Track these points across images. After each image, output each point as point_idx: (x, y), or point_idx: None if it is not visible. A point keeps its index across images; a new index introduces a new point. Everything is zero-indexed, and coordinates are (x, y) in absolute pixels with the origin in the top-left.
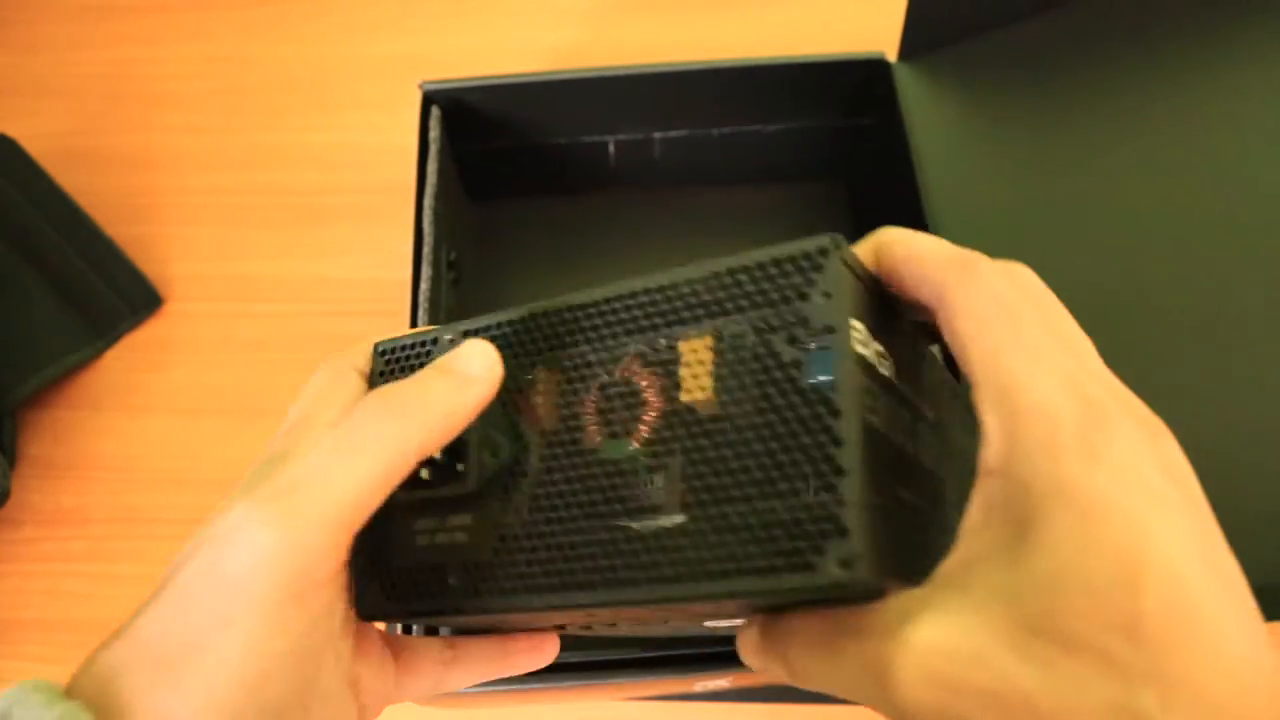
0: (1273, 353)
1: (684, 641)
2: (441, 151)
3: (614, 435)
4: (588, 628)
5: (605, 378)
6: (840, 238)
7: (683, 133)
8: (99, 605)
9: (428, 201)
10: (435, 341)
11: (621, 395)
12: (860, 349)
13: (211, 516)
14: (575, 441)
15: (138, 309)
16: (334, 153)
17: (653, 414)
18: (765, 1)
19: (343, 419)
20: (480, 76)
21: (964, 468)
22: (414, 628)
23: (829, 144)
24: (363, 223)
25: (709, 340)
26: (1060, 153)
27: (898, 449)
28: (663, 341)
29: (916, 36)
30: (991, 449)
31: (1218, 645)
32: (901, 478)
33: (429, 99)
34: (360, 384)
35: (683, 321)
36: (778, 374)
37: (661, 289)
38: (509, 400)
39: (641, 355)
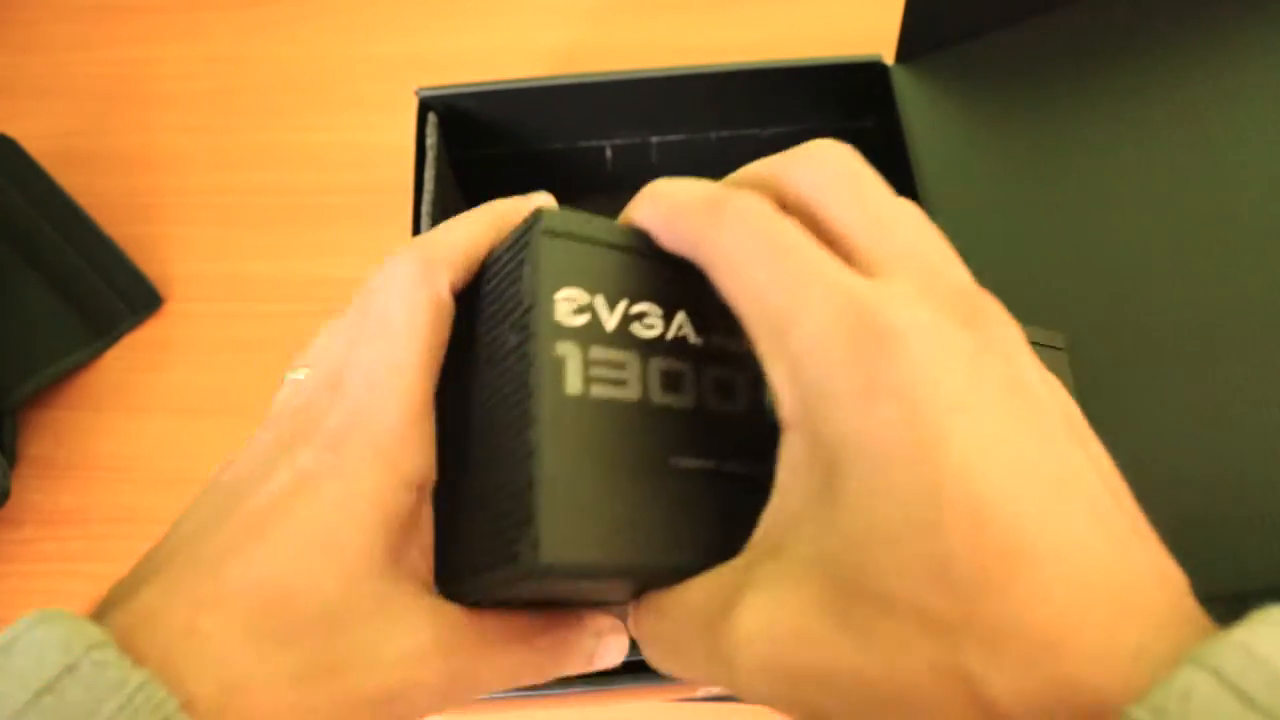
0: (1273, 353)
1: None
2: (439, 158)
3: None
4: None
5: None
6: (549, 209)
7: (680, 137)
8: None
9: (425, 209)
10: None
11: None
12: (570, 319)
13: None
14: None
15: (138, 309)
16: (334, 152)
17: None
18: (765, 1)
19: None
20: (476, 83)
21: None
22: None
23: None
24: (362, 223)
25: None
26: (1058, 155)
27: (666, 414)
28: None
29: (914, 39)
30: (783, 402)
31: (1044, 571)
32: (689, 444)
33: (425, 105)
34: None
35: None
36: (504, 364)
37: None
38: None
39: None
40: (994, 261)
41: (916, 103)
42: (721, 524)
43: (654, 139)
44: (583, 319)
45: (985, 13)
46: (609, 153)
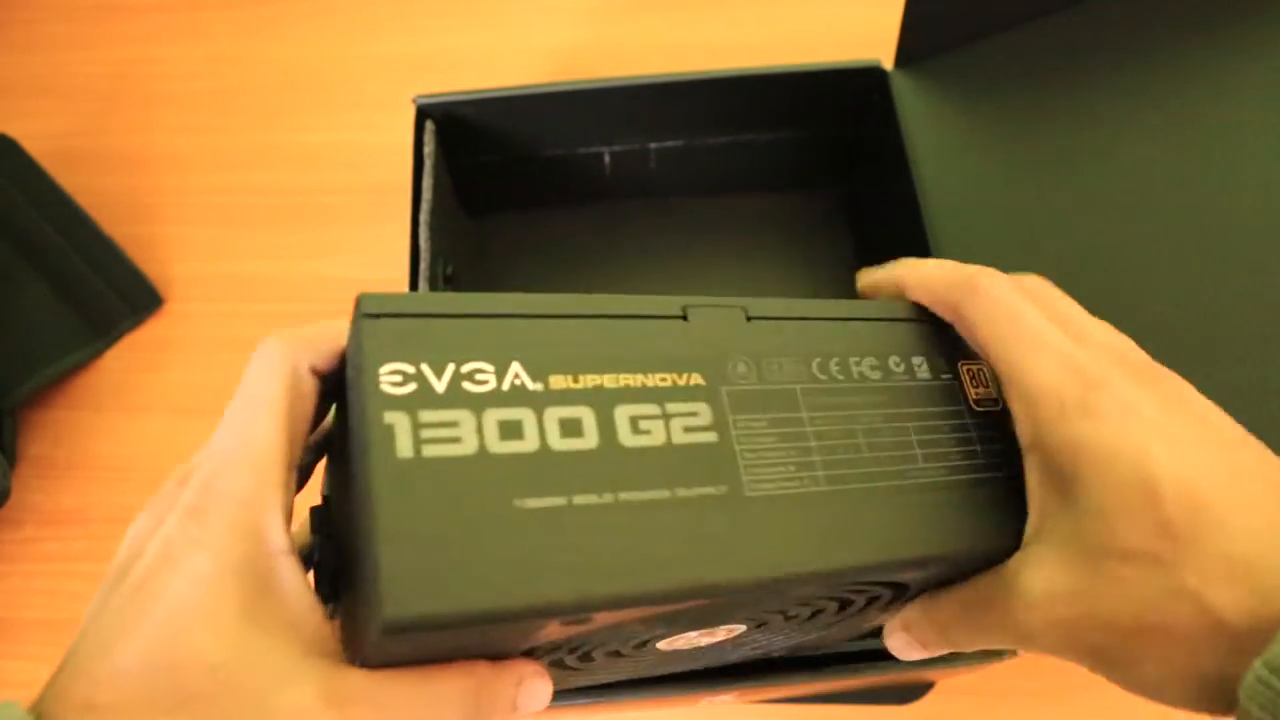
0: (1273, 354)
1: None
2: (436, 166)
3: None
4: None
5: None
6: (371, 294)
7: (678, 143)
8: None
9: (423, 217)
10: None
11: None
12: (396, 389)
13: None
14: None
15: (138, 309)
16: (333, 152)
17: None
18: (765, 2)
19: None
20: (474, 90)
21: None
22: None
23: (826, 152)
24: (362, 223)
25: None
26: (1057, 158)
27: (506, 461)
28: None
29: (913, 43)
30: (1022, 429)
31: (1232, 522)
32: (533, 486)
33: (423, 113)
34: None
35: None
36: (354, 439)
37: None
38: None
39: None
40: (993, 265)
41: (915, 107)
42: (563, 556)
43: (653, 145)
44: (409, 388)
45: (984, 17)
46: (607, 159)
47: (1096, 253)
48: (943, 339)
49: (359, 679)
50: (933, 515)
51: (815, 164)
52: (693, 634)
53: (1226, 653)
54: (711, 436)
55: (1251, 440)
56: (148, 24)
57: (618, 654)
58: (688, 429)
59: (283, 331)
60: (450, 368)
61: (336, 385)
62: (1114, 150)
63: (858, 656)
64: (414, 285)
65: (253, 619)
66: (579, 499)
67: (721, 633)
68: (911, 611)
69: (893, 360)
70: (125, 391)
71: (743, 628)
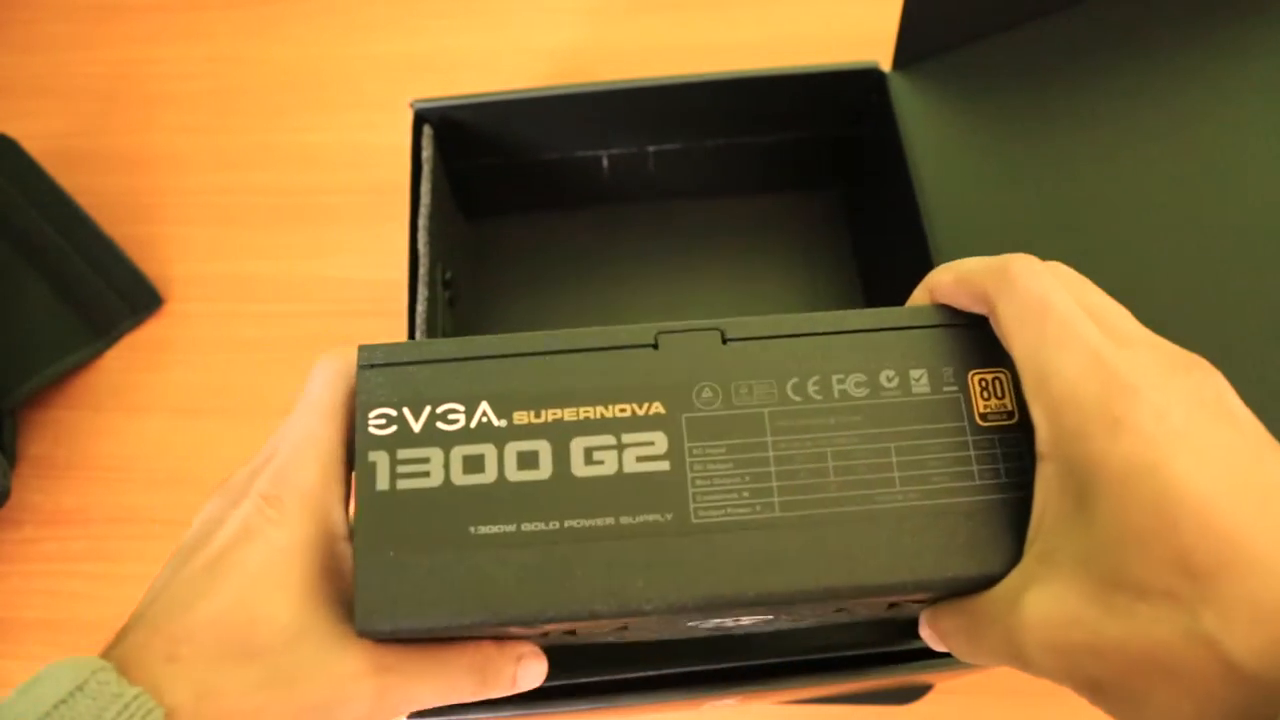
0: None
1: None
2: (435, 170)
3: None
4: (571, 633)
5: None
6: (368, 346)
7: (677, 145)
8: (100, 605)
9: (422, 221)
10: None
11: None
12: (380, 431)
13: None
14: None
15: (138, 309)
16: (333, 152)
17: None
18: (765, 2)
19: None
20: (472, 94)
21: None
22: None
23: (824, 154)
24: (362, 223)
25: None
26: (1057, 159)
27: (468, 492)
28: None
29: (911, 44)
30: (1041, 436)
31: (1261, 557)
32: (490, 515)
33: (420, 118)
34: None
35: None
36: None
37: None
38: None
39: None
40: None
41: (914, 109)
42: (508, 577)
43: (651, 148)
44: (390, 430)
45: (982, 18)
46: (606, 162)
47: (1096, 253)
48: (954, 346)
49: (394, 651)
50: (900, 541)
51: (814, 165)
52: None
53: (1242, 703)
54: (664, 465)
55: (1254, 436)
56: (148, 24)
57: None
58: (640, 458)
59: (343, 347)
60: (427, 410)
61: None
62: (1113, 151)
63: (858, 660)
64: (413, 290)
65: (318, 589)
66: (527, 526)
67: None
68: (923, 614)
69: (885, 375)
70: (125, 391)
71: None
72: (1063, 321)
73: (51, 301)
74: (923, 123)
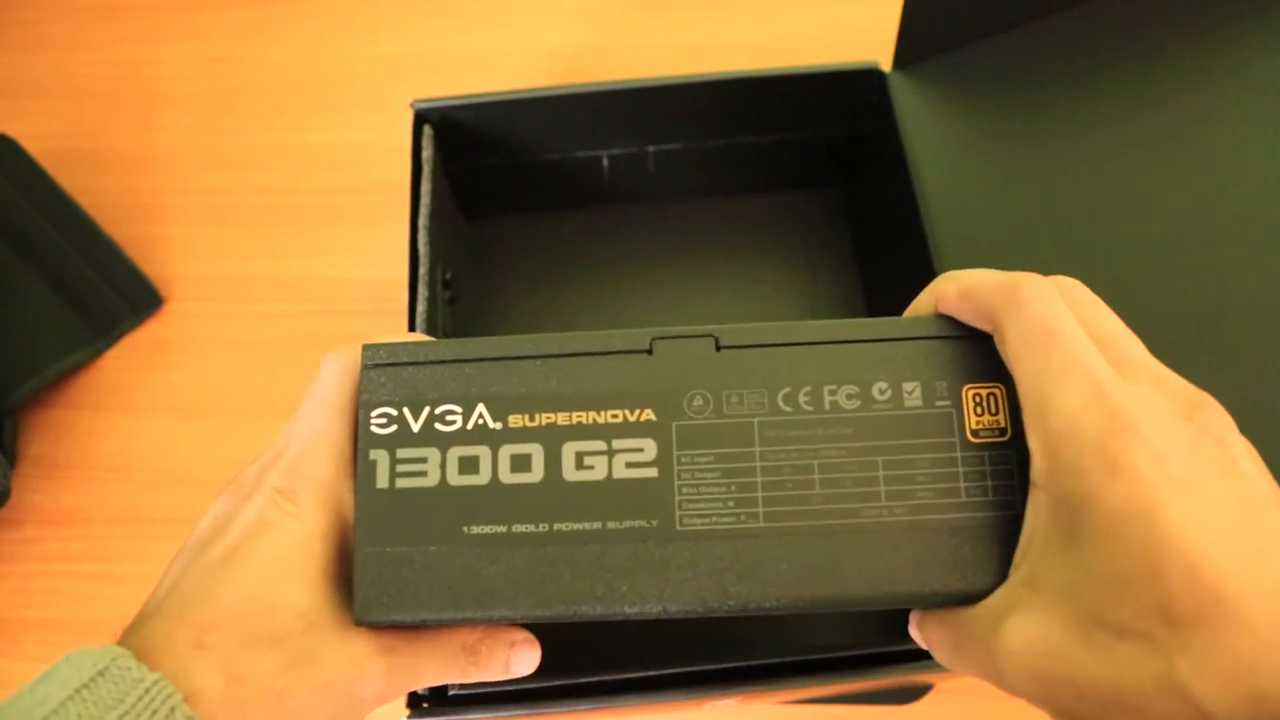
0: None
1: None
2: (435, 170)
3: None
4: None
5: None
6: (373, 345)
7: (676, 145)
8: (100, 605)
9: (422, 221)
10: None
11: None
12: (381, 430)
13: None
14: None
15: (138, 309)
16: (333, 152)
17: None
18: (765, 2)
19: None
20: (472, 94)
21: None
22: None
23: (824, 154)
24: (362, 223)
25: None
26: (1056, 160)
27: (462, 492)
28: None
29: (911, 44)
30: (1036, 465)
31: (1243, 612)
32: (482, 514)
33: (420, 118)
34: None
35: None
36: (357, 470)
37: None
38: None
39: None
40: (991, 265)
41: (914, 108)
42: (497, 575)
43: (651, 148)
44: (391, 429)
45: (982, 18)
46: (606, 162)
47: (1096, 254)
48: (949, 359)
49: (399, 635)
50: (882, 555)
51: (814, 165)
52: None
53: None
54: (652, 472)
55: (1255, 485)
56: (148, 24)
57: None
58: (630, 464)
59: (349, 344)
60: (426, 410)
61: None
62: (1113, 150)
63: (858, 660)
64: (413, 290)
65: (332, 576)
66: (517, 527)
67: None
68: (913, 616)
69: (878, 387)
70: (125, 391)
71: None
72: (1068, 351)
73: (51, 301)
74: (923, 123)
